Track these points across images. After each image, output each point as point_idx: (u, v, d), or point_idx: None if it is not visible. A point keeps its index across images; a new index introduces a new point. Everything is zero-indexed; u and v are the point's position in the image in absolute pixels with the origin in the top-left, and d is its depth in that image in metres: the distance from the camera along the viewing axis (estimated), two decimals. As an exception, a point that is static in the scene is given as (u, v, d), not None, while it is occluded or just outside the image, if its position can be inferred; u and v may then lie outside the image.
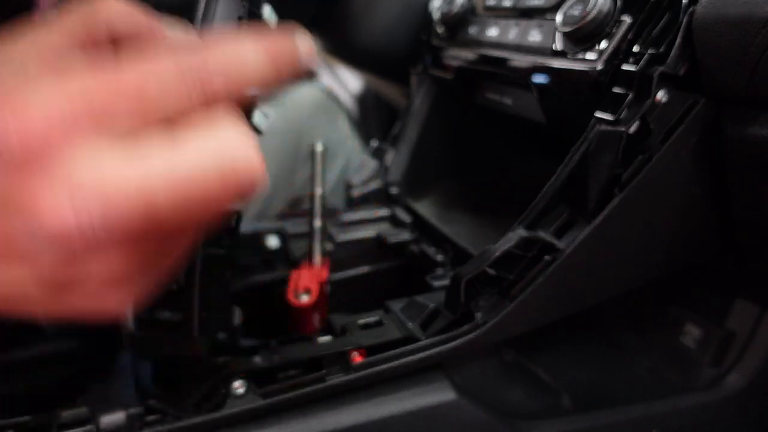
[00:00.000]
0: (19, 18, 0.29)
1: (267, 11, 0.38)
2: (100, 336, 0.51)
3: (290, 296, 0.59)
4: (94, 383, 0.45)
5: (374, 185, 0.79)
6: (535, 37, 0.57)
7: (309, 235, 0.63)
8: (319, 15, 1.01)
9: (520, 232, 0.48)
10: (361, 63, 1.06)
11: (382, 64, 0.99)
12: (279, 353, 0.46)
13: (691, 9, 0.44)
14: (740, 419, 0.64)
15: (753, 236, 0.53)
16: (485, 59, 0.66)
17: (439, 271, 0.65)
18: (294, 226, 0.72)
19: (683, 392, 0.64)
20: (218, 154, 0.23)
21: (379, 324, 0.52)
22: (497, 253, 0.48)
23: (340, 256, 0.71)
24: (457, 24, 0.71)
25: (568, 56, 0.53)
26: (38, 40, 0.28)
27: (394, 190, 0.78)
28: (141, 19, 0.32)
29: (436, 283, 0.59)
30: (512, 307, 0.49)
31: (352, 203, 0.78)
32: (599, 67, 0.49)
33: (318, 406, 0.47)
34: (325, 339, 0.50)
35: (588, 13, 0.49)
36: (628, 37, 0.48)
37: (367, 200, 0.79)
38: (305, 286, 0.60)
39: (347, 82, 1.52)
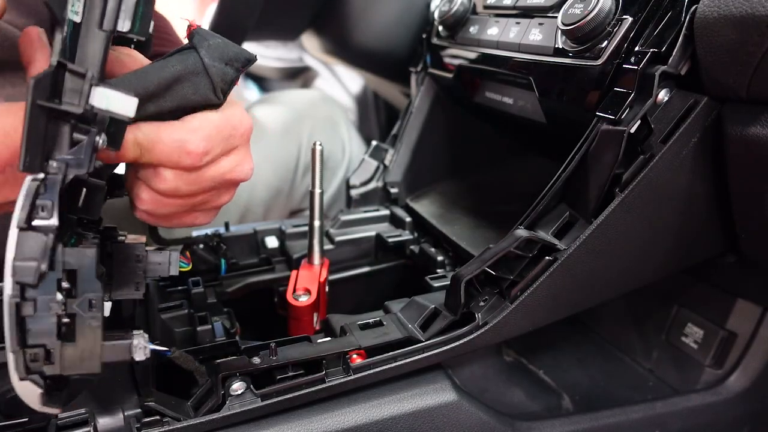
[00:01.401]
0: None
1: None
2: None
3: (289, 297, 0.59)
4: (92, 384, 0.44)
5: (374, 185, 0.79)
6: (535, 36, 0.57)
7: (308, 234, 0.63)
8: (319, 15, 1.01)
9: (521, 232, 0.48)
10: (361, 63, 1.06)
11: (382, 63, 0.99)
12: (278, 354, 0.46)
13: (692, 8, 0.44)
14: (742, 420, 0.64)
15: (754, 236, 0.53)
16: (485, 58, 0.66)
17: (439, 271, 0.64)
18: (293, 226, 0.71)
19: (684, 393, 0.64)
20: None
21: (378, 324, 0.52)
22: (497, 254, 0.48)
23: (339, 256, 0.71)
24: (457, 23, 0.71)
25: (569, 55, 0.52)
26: None
27: (393, 190, 0.78)
28: None
29: (436, 284, 0.59)
30: (513, 308, 0.49)
31: (352, 203, 0.78)
32: (600, 65, 0.49)
33: (317, 408, 0.46)
34: (324, 340, 0.50)
35: (589, 12, 0.48)
36: (630, 36, 0.47)
37: (366, 200, 0.78)
38: (304, 286, 0.60)
39: (347, 82, 1.52)
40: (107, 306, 0.38)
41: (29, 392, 0.33)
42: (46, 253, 0.31)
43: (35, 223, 0.31)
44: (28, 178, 0.31)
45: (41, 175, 0.31)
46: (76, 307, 0.33)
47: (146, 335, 0.38)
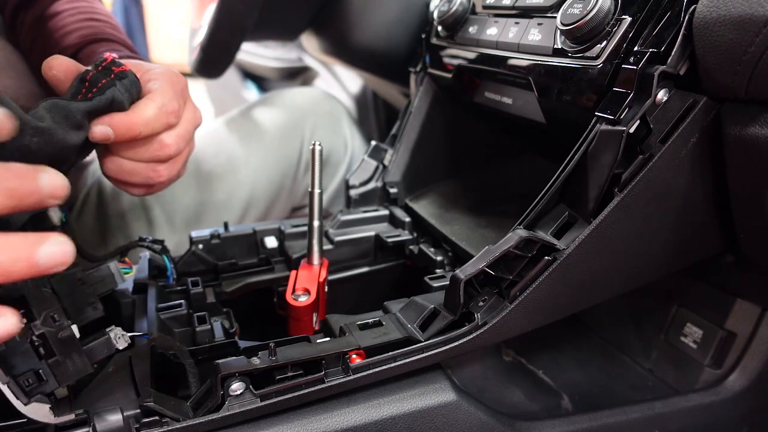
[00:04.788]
0: None
1: None
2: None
3: (289, 297, 0.59)
4: (90, 385, 0.44)
5: (373, 185, 0.79)
6: (534, 36, 0.57)
7: (308, 234, 0.63)
8: (318, 15, 1.01)
9: (520, 232, 0.48)
10: (361, 63, 1.06)
11: (382, 63, 0.99)
12: (277, 354, 0.46)
13: (691, 8, 0.44)
14: (741, 420, 0.64)
15: (753, 236, 0.53)
16: (485, 58, 0.66)
17: (439, 271, 0.64)
18: (292, 226, 0.71)
19: (684, 393, 0.64)
20: None
21: (378, 325, 0.52)
22: (497, 254, 0.48)
23: (338, 256, 0.71)
24: (457, 23, 0.71)
25: (568, 55, 0.52)
26: None
27: (393, 190, 0.78)
28: None
29: (436, 284, 0.59)
30: (512, 308, 0.49)
31: (351, 203, 0.78)
32: (599, 65, 0.49)
33: (317, 408, 0.46)
34: (323, 340, 0.50)
35: (588, 12, 0.48)
36: (629, 36, 0.47)
37: (366, 200, 0.78)
38: (304, 286, 0.60)
39: (346, 82, 1.52)
40: (74, 328, 0.39)
41: (39, 411, 0.36)
42: None
43: None
44: None
45: None
46: (41, 326, 0.36)
47: (120, 328, 0.42)
